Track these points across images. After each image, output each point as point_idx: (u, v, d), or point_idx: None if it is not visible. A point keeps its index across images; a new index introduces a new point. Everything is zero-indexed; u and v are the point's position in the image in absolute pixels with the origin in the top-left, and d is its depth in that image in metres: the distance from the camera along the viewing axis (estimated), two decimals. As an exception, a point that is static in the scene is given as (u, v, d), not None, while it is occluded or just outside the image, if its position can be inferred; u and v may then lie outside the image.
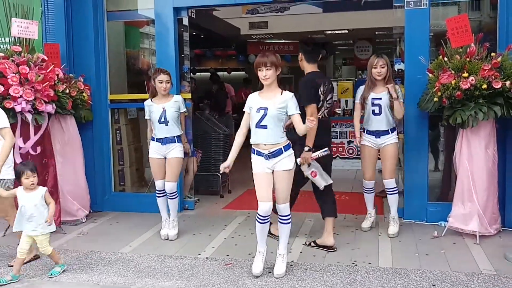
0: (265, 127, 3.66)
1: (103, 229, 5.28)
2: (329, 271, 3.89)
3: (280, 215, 3.87)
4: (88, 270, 4.08)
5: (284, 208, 3.83)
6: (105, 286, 3.75)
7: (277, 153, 3.69)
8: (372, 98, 4.64)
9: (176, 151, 4.74)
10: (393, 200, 4.77)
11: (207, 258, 4.27)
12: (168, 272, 3.98)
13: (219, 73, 13.46)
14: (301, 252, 4.36)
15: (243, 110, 3.85)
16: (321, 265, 4.02)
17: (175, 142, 4.74)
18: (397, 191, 4.77)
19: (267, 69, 3.66)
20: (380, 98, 4.61)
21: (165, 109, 4.66)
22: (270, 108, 3.65)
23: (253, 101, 3.78)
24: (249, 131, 3.84)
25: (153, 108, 4.71)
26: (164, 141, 4.71)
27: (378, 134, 4.68)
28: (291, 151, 3.76)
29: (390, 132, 4.66)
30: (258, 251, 3.89)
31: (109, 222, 5.55)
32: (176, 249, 4.54)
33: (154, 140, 4.76)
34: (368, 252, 4.31)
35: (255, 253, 3.91)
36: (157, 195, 4.86)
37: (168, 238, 4.80)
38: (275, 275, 3.77)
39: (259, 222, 3.80)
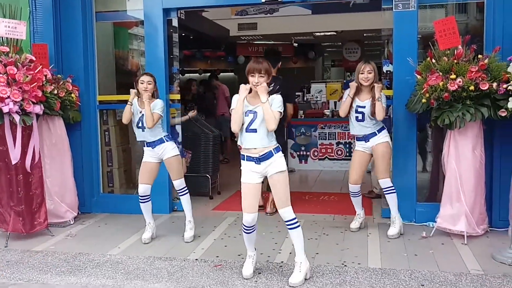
0: (254, 131, 3.62)
1: (91, 231, 5.24)
2: (319, 271, 3.90)
3: (286, 221, 3.70)
4: (76, 272, 4.05)
5: (285, 212, 3.64)
6: (94, 288, 3.73)
7: (267, 156, 3.65)
8: (357, 106, 4.66)
9: (169, 150, 4.70)
10: (390, 200, 4.73)
11: (196, 259, 4.26)
12: (157, 273, 3.96)
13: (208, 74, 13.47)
14: (290, 253, 4.37)
15: (231, 108, 3.74)
16: (311, 265, 4.02)
17: (164, 142, 4.70)
18: (393, 191, 4.73)
19: (260, 76, 3.60)
20: (364, 107, 4.62)
21: (143, 114, 4.59)
22: (259, 112, 3.62)
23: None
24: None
25: (134, 108, 4.68)
26: (153, 144, 4.69)
27: (366, 138, 4.70)
28: (281, 153, 3.73)
29: (377, 133, 4.69)
30: (248, 255, 3.89)
31: (97, 223, 5.52)
32: (165, 250, 4.53)
33: (145, 146, 4.73)
34: (357, 253, 4.33)
35: (245, 255, 3.91)
36: (140, 200, 4.79)
37: (150, 242, 4.78)
38: (290, 283, 3.65)
39: (244, 232, 3.78)
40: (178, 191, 4.83)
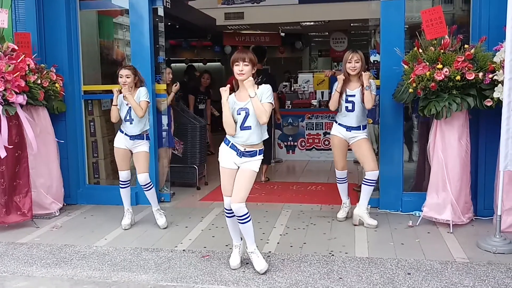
0: (249, 128, 3.60)
1: (77, 223, 5.19)
2: (306, 261, 3.91)
3: (238, 216, 3.65)
4: (62, 264, 4.00)
5: (240, 208, 3.61)
6: (80, 280, 3.69)
7: (252, 154, 3.65)
8: (347, 95, 4.65)
9: (142, 147, 4.77)
10: (370, 192, 4.77)
11: (184, 250, 4.25)
12: (145, 265, 3.94)
13: (195, 64, 13.37)
14: (278, 243, 4.38)
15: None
16: (298, 255, 4.03)
17: (143, 139, 4.77)
18: (375, 184, 4.79)
19: (245, 64, 3.56)
20: (354, 95, 4.62)
21: (130, 107, 4.66)
22: (250, 108, 3.58)
23: (231, 103, 3.67)
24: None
25: (122, 104, 4.73)
26: (132, 137, 4.74)
27: (349, 128, 4.71)
28: (261, 156, 3.73)
29: (361, 128, 4.71)
30: (234, 245, 3.89)
31: (83, 215, 5.47)
32: (153, 241, 4.50)
33: (122, 133, 4.79)
34: (344, 242, 4.35)
35: (232, 245, 3.90)
36: (120, 185, 4.89)
37: (130, 228, 4.87)
38: (259, 271, 3.68)
39: (226, 216, 3.80)
40: (143, 187, 4.80)
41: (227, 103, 3.62)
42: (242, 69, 3.57)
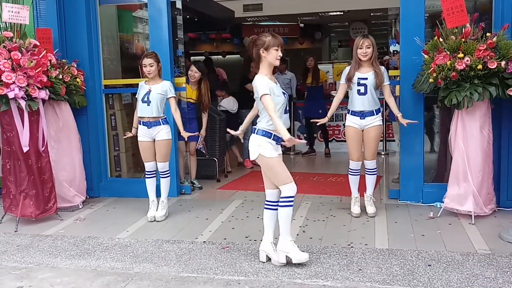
0: (288, 111, 3.71)
1: (100, 215, 5.29)
2: (326, 252, 3.92)
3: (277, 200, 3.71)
4: (85, 255, 4.09)
5: (286, 189, 3.63)
6: (103, 272, 3.76)
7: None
8: (358, 78, 4.61)
9: (162, 133, 4.88)
10: (372, 181, 4.84)
11: (204, 242, 4.29)
12: (166, 256, 3.99)
13: (214, 57, 13.38)
14: (297, 234, 4.38)
15: (264, 93, 3.48)
16: (318, 247, 4.04)
17: (160, 124, 4.86)
18: (376, 172, 4.86)
19: (281, 49, 3.60)
20: (366, 78, 4.58)
21: (151, 90, 4.81)
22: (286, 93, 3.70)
23: (271, 86, 3.59)
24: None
25: (142, 88, 4.88)
26: (149, 124, 4.85)
27: (363, 115, 4.65)
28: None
29: (375, 113, 4.65)
30: (271, 242, 3.79)
31: (105, 207, 5.56)
32: (173, 233, 4.56)
33: (141, 124, 4.90)
34: (364, 234, 4.34)
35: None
36: (147, 176, 5.00)
37: (155, 220, 4.91)
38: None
39: (266, 208, 3.74)
40: (160, 173, 4.96)
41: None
42: (281, 55, 3.60)
